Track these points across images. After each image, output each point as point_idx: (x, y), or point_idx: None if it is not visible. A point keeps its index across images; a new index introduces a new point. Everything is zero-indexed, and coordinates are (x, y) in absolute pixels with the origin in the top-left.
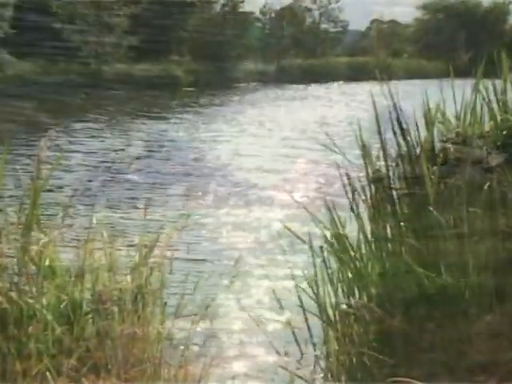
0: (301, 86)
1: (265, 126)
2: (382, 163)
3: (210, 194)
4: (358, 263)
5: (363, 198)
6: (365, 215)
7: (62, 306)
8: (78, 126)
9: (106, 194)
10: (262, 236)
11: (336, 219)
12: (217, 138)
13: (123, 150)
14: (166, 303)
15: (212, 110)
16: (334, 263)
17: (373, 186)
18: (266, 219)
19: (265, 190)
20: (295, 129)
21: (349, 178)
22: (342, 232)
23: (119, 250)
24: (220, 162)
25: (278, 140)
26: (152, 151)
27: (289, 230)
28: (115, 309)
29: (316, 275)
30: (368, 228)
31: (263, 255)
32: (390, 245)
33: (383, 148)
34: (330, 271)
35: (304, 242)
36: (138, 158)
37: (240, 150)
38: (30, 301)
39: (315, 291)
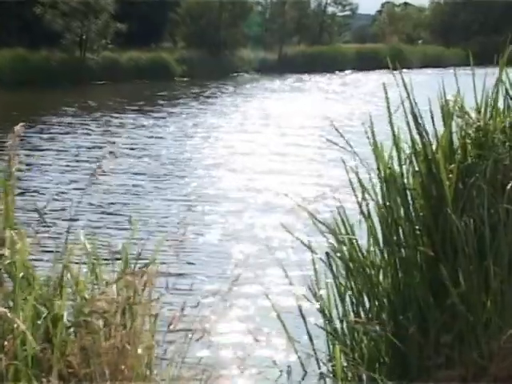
0: (304, 76)
1: (260, 120)
2: (395, 161)
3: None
4: (368, 271)
5: (374, 199)
6: (376, 219)
7: (41, 319)
8: (54, 120)
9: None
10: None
11: (343, 222)
12: (207, 134)
13: (104, 147)
14: (157, 315)
15: (205, 103)
16: (341, 271)
17: (385, 186)
18: (265, 225)
19: (261, 193)
20: (294, 125)
21: (358, 177)
22: (350, 237)
23: (105, 259)
24: (207, 162)
25: (274, 136)
26: (135, 149)
27: (292, 234)
28: (100, 322)
29: (318, 283)
30: (379, 233)
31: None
32: (403, 251)
33: (396, 144)
34: (337, 281)
35: (310, 248)
36: (116, 157)
37: (233, 148)
38: (8, 314)
39: (320, 302)
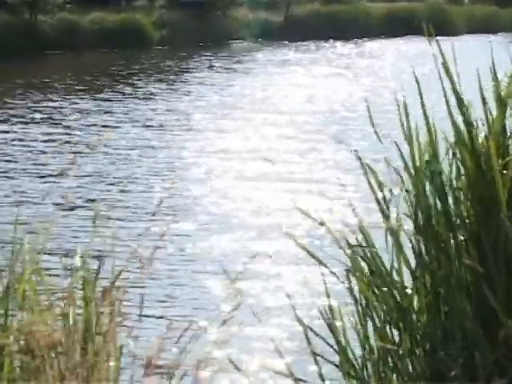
0: (317, 44)
1: (254, 108)
2: (431, 153)
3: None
4: (396, 293)
5: (405, 201)
6: (405, 226)
7: None
8: None
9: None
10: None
11: (364, 233)
12: (182, 123)
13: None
14: (122, 347)
15: (186, 81)
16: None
17: (418, 186)
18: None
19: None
20: (296, 112)
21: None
22: (372, 250)
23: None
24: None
25: (270, 132)
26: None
27: (298, 244)
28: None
29: (332, 309)
30: (408, 244)
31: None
32: (443, 267)
33: (432, 133)
34: (357, 306)
35: (325, 266)
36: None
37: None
38: None
39: (335, 332)
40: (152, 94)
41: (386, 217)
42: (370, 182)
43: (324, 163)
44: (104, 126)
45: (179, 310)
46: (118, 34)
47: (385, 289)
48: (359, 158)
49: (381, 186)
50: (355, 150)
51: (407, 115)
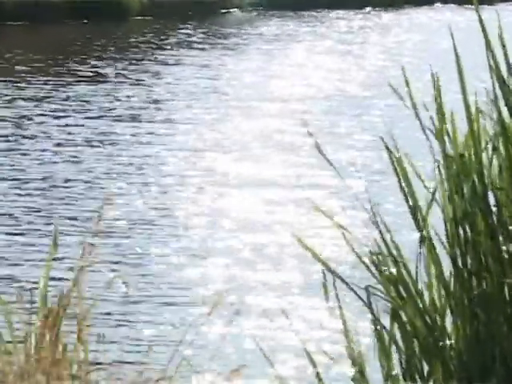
0: (327, 15)
1: (239, 94)
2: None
3: None
4: (426, 315)
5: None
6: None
7: None
8: None
9: None
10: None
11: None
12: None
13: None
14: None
15: (163, 61)
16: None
17: (452, 186)
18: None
19: None
20: (293, 99)
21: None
22: (398, 262)
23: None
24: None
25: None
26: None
27: (321, 262)
28: None
29: (348, 333)
30: (442, 256)
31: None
32: (483, 284)
33: (471, 122)
34: (379, 329)
35: (347, 284)
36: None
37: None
38: None
39: (354, 359)
40: (116, 77)
41: (416, 222)
42: (399, 180)
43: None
44: (41, 116)
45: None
46: (90, 2)
47: (412, 309)
48: (389, 151)
49: (410, 186)
50: (381, 139)
51: (440, 101)
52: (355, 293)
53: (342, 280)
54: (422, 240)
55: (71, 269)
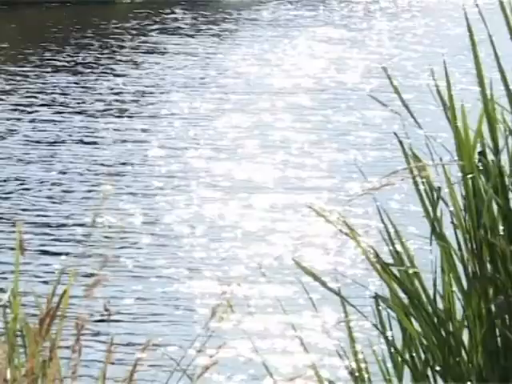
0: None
1: (230, 87)
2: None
3: None
4: (443, 329)
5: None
6: (454, 241)
7: None
8: None
9: None
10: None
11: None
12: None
13: None
14: None
15: (147, 50)
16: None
17: (470, 187)
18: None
19: None
20: (292, 93)
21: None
22: (410, 270)
23: None
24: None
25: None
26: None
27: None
28: None
29: (355, 350)
30: (458, 262)
31: None
32: (501, 290)
33: (489, 115)
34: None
35: (350, 304)
36: None
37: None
38: None
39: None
40: (97, 67)
41: (432, 226)
42: (415, 180)
43: (333, 164)
44: (11, 111)
45: None
46: None
47: (426, 321)
48: (401, 145)
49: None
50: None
51: (450, 95)
52: (358, 310)
53: (346, 301)
54: (437, 244)
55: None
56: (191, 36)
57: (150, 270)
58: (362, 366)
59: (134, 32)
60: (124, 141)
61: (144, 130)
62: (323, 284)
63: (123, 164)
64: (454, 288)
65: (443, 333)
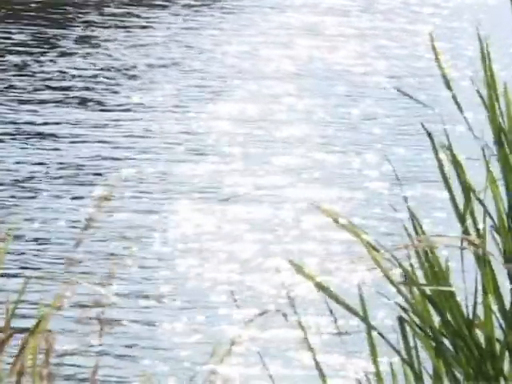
0: None
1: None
2: None
3: None
4: (474, 348)
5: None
6: (495, 251)
7: None
8: None
9: None
10: None
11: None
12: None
13: None
14: None
15: (134, 35)
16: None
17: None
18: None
19: None
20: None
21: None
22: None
23: None
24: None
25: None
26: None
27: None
28: None
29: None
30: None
31: None
32: None
33: None
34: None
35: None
36: None
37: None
38: None
39: None
40: (65, 45)
41: (464, 228)
42: (443, 174)
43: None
44: None
45: None
46: None
47: (460, 343)
48: (431, 139)
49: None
50: (425, 129)
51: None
52: (381, 335)
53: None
54: (475, 258)
55: None
56: (177, 15)
57: None
58: None
59: (109, 3)
60: (90, 136)
61: (113, 122)
62: (330, 294)
63: (87, 162)
64: (493, 303)
65: (481, 356)
